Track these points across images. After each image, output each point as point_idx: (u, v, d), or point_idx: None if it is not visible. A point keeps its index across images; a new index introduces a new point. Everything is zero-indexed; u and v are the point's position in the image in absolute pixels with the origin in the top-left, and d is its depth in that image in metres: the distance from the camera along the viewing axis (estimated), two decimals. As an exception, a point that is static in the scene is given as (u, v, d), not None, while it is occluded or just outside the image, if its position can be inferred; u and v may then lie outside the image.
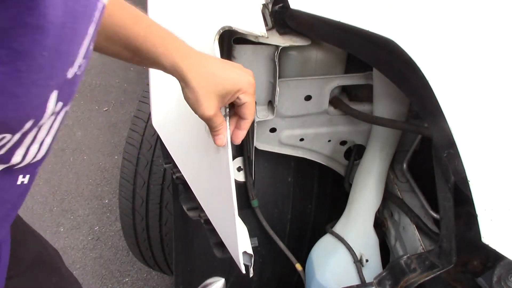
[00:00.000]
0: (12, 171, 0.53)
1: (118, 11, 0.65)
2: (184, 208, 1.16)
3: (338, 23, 0.86)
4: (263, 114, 1.09)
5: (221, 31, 0.86)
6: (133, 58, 0.69)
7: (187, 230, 1.32)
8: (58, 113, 0.51)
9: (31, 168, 0.56)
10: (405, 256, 0.85)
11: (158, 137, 1.25)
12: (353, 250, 1.13)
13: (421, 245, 1.04)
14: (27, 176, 0.56)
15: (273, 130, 1.16)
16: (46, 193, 2.45)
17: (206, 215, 1.04)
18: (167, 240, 1.63)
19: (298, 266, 1.25)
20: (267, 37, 0.91)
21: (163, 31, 0.69)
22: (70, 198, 2.44)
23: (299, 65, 1.06)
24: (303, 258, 1.25)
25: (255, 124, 1.11)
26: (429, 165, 0.84)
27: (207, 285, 0.96)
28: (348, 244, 1.14)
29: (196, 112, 0.71)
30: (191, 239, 1.33)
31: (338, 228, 1.20)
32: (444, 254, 0.79)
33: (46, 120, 0.49)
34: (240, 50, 0.99)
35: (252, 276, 0.82)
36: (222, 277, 0.97)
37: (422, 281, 0.80)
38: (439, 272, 0.79)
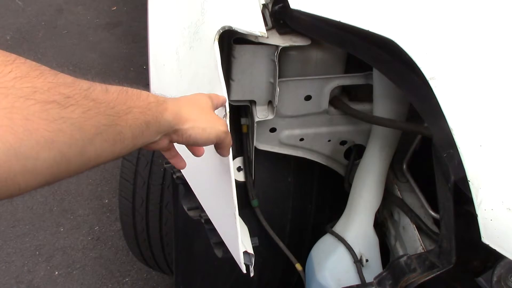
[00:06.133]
0: None
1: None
2: (185, 208, 1.16)
3: (338, 23, 0.87)
4: (263, 114, 1.09)
5: (221, 31, 0.86)
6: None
7: (187, 230, 1.32)
8: None
9: None
10: (405, 256, 0.86)
11: (158, 137, 1.24)
12: (353, 250, 1.13)
13: (421, 245, 1.04)
14: None
15: (273, 130, 1.16)
16: (46, 193, 2.45)
17: (206, 215, 1.05)
18: (167, 240, 1.63)
19: (298, 266, 1.25)
20: (267, 37, 0.92)
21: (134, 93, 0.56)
22: (70, 198, 2.44)
23: (299, 65, 1.06)
24: (303, 258, 1.25)
25: (255, 124, 1.11)
26: (429, 165, 0.84)
27: None
28: (348, 244, 1.14)
29: (216, 135, 0.65)
30: (191, 239, 1.33)
31: (338, 228, 1.20)
32: (444, 254, 0.79)
33: None
34: (240, 50, 0.99)
35: (252, 276, 0.82)
36: (222, 276, 0.97)
37: (422, 281, 0.80)
38: (439, 272, 0.79)
